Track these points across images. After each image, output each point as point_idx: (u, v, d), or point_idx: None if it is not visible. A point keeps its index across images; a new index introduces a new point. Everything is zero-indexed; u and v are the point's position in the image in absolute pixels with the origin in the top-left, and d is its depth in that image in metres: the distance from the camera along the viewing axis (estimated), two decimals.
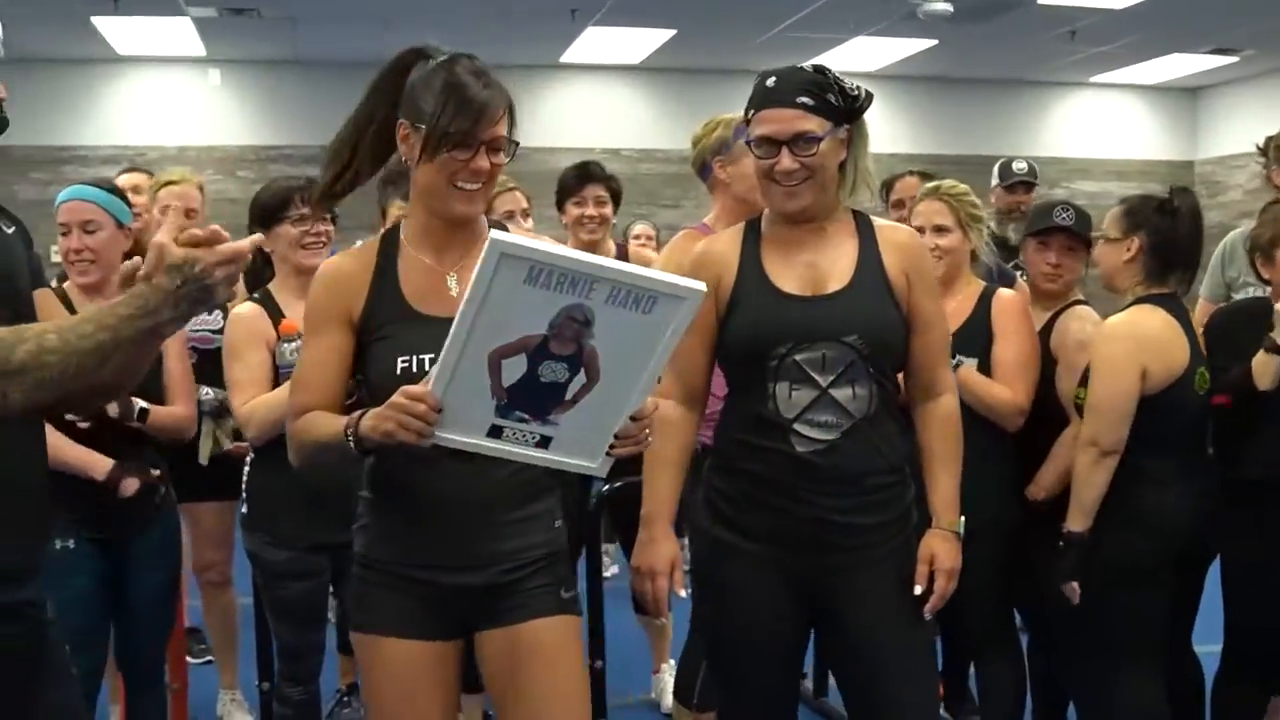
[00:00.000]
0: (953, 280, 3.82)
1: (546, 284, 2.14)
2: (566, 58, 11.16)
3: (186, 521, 4.00)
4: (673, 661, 4.40)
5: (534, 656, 2.55)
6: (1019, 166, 6.08)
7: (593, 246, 4.55)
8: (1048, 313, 3.87)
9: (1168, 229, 3.59)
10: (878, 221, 2.93)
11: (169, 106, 11.05)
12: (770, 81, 2.79)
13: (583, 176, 4.79)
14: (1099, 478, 3.48)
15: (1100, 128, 12.44)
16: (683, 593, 2.92)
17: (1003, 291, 3.81)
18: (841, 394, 2.75)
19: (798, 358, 2.75)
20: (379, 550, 2.56)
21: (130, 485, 3.47)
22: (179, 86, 11.11)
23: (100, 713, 3.96)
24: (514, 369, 2.24)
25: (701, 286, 2.23)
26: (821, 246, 2.84)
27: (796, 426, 2.75)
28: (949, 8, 8.78)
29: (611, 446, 2.36)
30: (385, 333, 2.48)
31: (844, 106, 2.77)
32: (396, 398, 2.21)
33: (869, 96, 2.81)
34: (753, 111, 2.82)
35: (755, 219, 2.95)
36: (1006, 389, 3.65)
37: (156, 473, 3.58)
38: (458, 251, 2.53)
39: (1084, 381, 3.59)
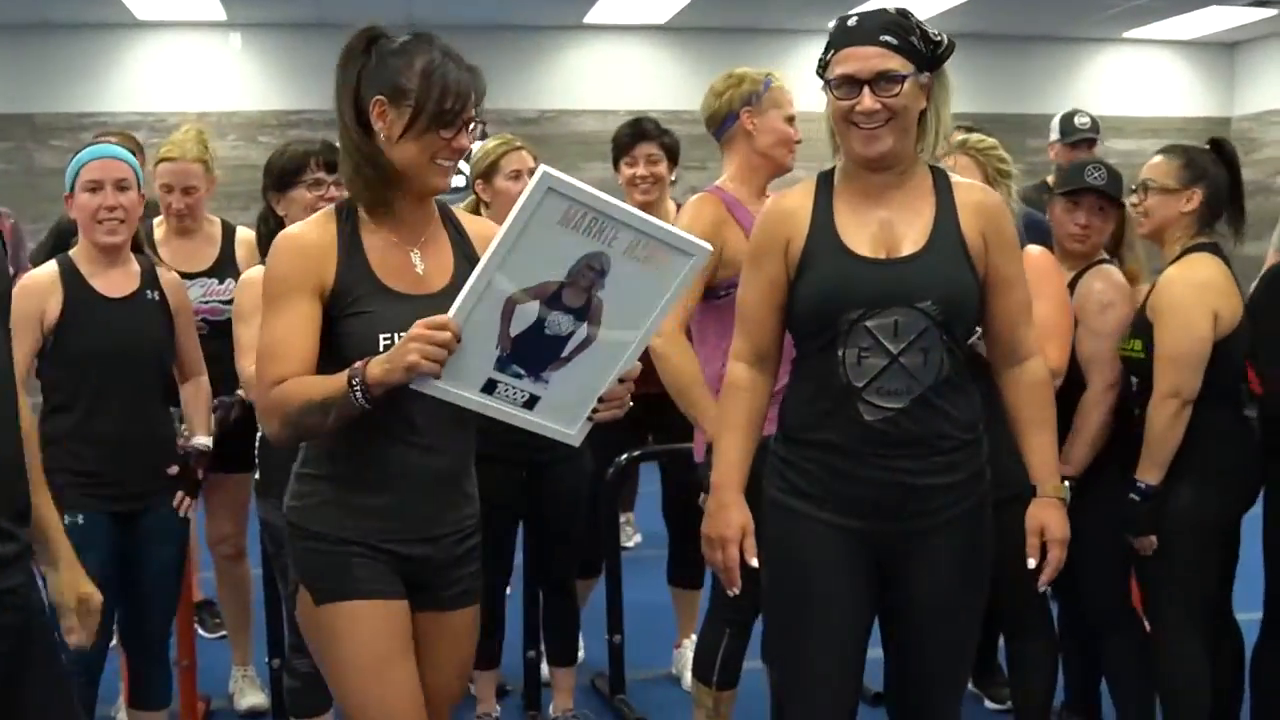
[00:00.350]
0: None
1: (578, 226, 2.26)
2: (590, 18, 11.01)
3: (201, 494, 3.95)
4: (694, 637, 4.33)
5: (454, 638, 2.71)
6: (1081, 121, 5.91)
7: (648, 207, 4.44)
8: (1071, 273, 3.79)
9: (1223, 180, 3.60)
10: (955, 179, 2.84)
11: (190, 71, 10.84)
12: (852, 21, 2.71)
13: (635, 135, 4.69)
14: (1178, 430, 3.46)
15: (1135, 84, 12.21)
16: (753, 561, 2.82)
17: (1030, 249, 3.64)
18: (911, 361, 2.67)
19: (869, 324, 2.67)
20: (333, 524, 2.55)
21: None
22: (200, 51, 10.89)
23: (109, 689, 3.93)
24: (524, 317, 2.32)
25: (708, 247, 2.38)
26: (897, 204, 2.75)
27: (866, 395, 2.68)
28: None
29: (594, 411, 2.44)
30: (361, 307, 2.47)
31: (927, 52, 2.70)
32: (416, 329, 2.25)
33: (952, 45, 2.73)
34: (833, 52, 2.73)
35: (828, 172, 2.84)
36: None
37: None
38: (419, 229, 2.57)
39: (1138, 335, 3.57)
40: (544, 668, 4.43)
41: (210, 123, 9.93)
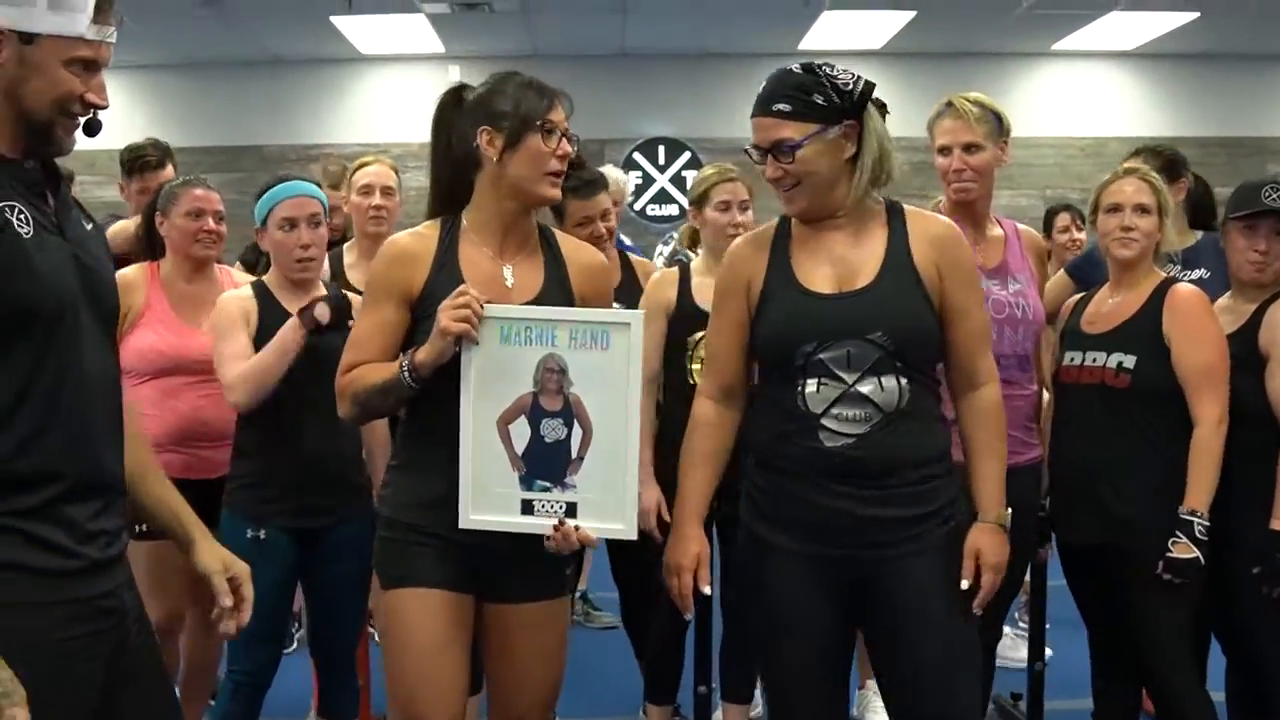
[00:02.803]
0: (1137, 267, 3.57)
1: (519, 339, 2.67)
2: (805, 44, 10.34)
3: None
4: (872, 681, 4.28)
5: (530, 629, 2.88)
6: None
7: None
8: (1253, 304, 3.52)
9: None
10: (912, 212, 2.92)
11: (411, 103, 10.73)
12: (762, 89, 2.84)
13: None
14: None
15: None
16: (706, 589, 2.96)
17: (1180, 287, 3.53)
18: (868, 388, 2.76)
19: (822, 356, 2.77)
20: (402, 511, 2.84)
21: (323, 310, 3.42)
22: (420, 83, 10.49)
23: (300, 700, 4.19)
24: (521, 434, 2.68)
25: (639, 313, 2.81)
26: (849, 241, 2.86)
27: (824, 421, 2.77)
28: None
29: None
30: None
31: (837, 104, 2.78)
32: (447, 303, 2.64)
33: (868, 87, 2.81)
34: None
35: (787, 216, 2.95)
36: (1203, 406, 3.41)
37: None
38: (513, 246, 2.86)
39: None
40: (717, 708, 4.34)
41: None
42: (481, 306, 2.64)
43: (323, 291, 3.62)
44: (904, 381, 2.78)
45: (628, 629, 4.45)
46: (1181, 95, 11.46)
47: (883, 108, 2.89)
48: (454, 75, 10.87)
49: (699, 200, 4.16)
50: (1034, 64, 11.40)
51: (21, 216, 2.13)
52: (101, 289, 2.29)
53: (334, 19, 9.46)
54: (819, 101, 2.76)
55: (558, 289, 2.86)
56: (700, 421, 3.00)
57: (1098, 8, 9.62)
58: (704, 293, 3.83)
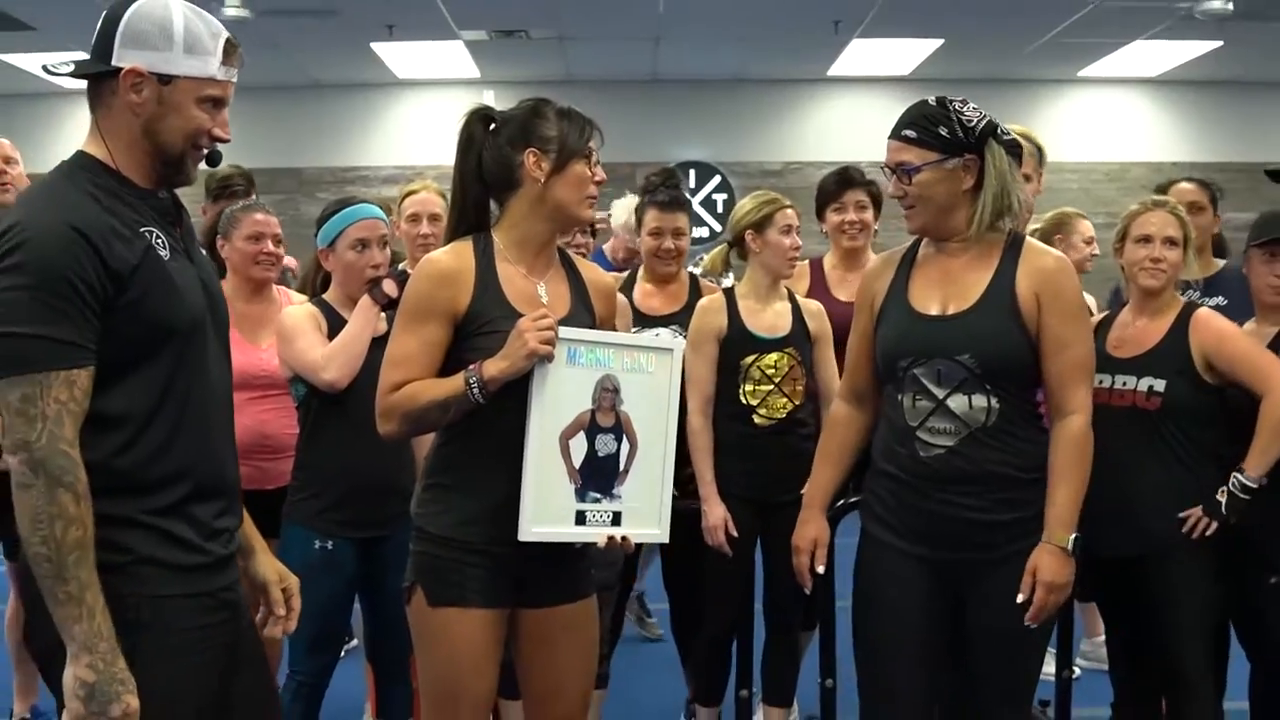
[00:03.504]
0: (1161, 295, 3.75)
1: (582, 361, 2.87)
2: (834, 71, 10.56)
3: None
4: None
5: (568, 630, 3.01)
6: None
7: (855, 254, 4.61)
8: (1275, 328, 3.73)
9: None
10: (1030, 244, 3.11)
11: (446, 126, 11.23)
12: (901, 116, 3.06)
13: (843, 182, 4.70)
14: None
15: None
16: (820, 569, 3.30)
17: (1203, 311, 3.75)
18: (957, 404, 2.99)
19: (916, 371, 3.03)
20: (447, 528, 2.92)
21: (390, 286, 3.64)
22: (455, 107, 11.13)
23: (353, 701, 4.44)
24: (579, 449, 2.87)
25: (681, 343, 3.37)
26: (965, 268, 3.07)
27: (919, 433, 3.02)
28: (1228, 7, 8.49)
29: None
30: (495, 327, 2.85)
31: (959, 138, 2.99)
32: (523, 323, 2.74)
33: (990, 126, 3.01)
34: None
35: (918, 240, 3.19)
36: (1269, 380, 3.58)
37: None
38: (543, 265, 2.99)
39: None
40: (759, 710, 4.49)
41: None
42: (557, 334, 2.79)
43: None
44: (994, 401, 2.98)
45: (676, 636, 4.60)
46: (1204, 121, 11.64)
47: (1014, 147, 3.07)
48: (489, 100, 10.95)
49: (759, 224, 4.20)
50: (1060, 90, 11.52)
51: (160, 241, 2.33)
52: (220, 307, 2.50)
53: (374, 45, 9.75)
54: (942, 133, 2.99)
55: (583, 307, 3.01)
56: (833, 421, 3.35)
57: (1123, 36, 9.76)
58: (752, 317, 4.11)
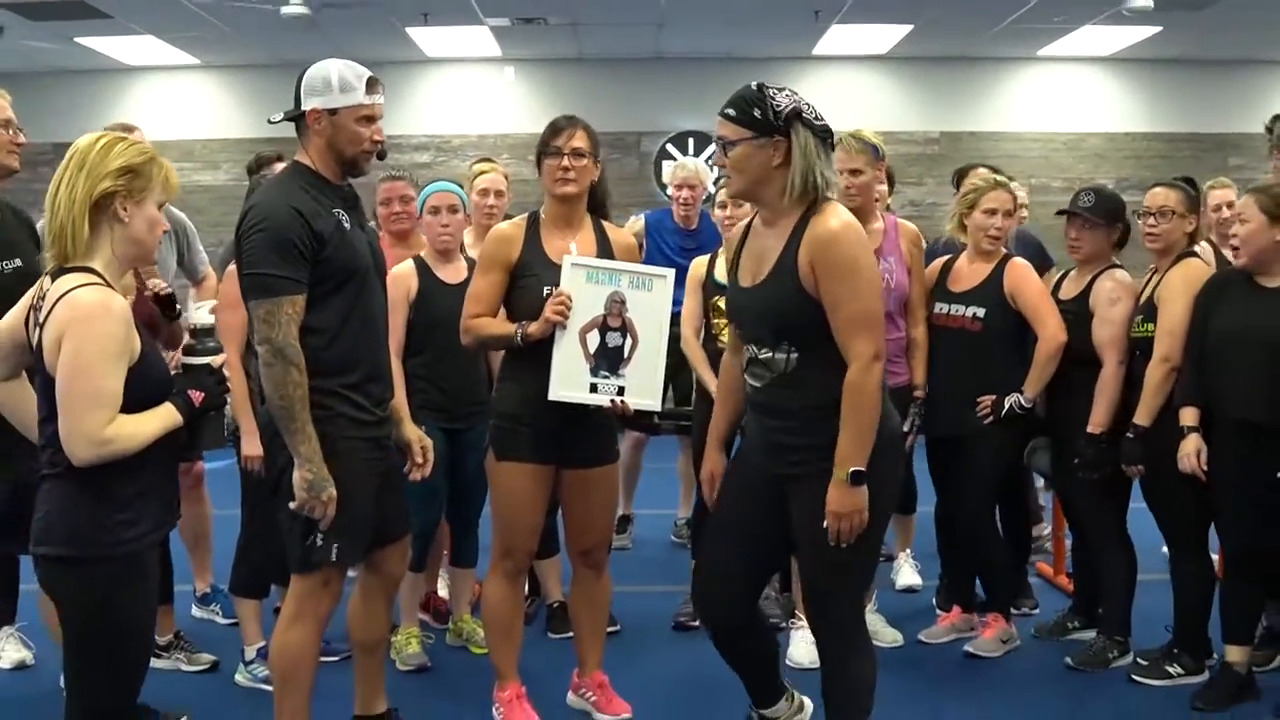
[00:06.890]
0: (993, 250, 4.89)
1: (597, 280, 3.94)
2: (818, 50, 11.20)
3: None
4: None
5: (597, 482, 4.17)
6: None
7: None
8: (1088, 277, 4.83)
9: None
10: (817, 216, 3.31)
11: (470, 100, 11.64)
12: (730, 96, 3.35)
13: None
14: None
15: None
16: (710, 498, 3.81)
17: (1016, 260, 4.96)
18: (764, 355, 3.42)
19: (740, 331, 3.57)
20: (509, 406, 4.06)
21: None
22: (479, 82, 11.60)
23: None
24: (593, 341, 3.94)
25: (671, 270, 4.07)
26: (766, 242, 3.41)
27: (747, 376, 3.52)
28: (1149, 3, 9.09)
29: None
30: (535, 272, 4.02)
31: (769, 120, 3.26)
32: (549, 302, 3.88)
33: (794, 112, 3.26)
34: None
35: (753, 217, 3.55)
36: (1043, 326, 4.76)
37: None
38: (574, 229, 4.11)
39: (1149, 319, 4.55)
40: None
41: (488, 144, 11.64)
42: (569, 307, 3.88)
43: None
44: (792, 354, 3.36)
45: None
46: (1152, 96, 12.25)
47: (826, 134, 3.33)
48: (509, 75, 11.67)
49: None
50: (1021, 67, 12.17)
51: (344, 218, 3.48)
52: (381, 262, 3.66)
53: (409, 29, 10.49)
54: (756, 114, 3.28)
55: (605, 254, 4.06)
56: (722, 367, 3.90)
57: (1071, 22, 10.44)
58: (720, 269, 5.02)
